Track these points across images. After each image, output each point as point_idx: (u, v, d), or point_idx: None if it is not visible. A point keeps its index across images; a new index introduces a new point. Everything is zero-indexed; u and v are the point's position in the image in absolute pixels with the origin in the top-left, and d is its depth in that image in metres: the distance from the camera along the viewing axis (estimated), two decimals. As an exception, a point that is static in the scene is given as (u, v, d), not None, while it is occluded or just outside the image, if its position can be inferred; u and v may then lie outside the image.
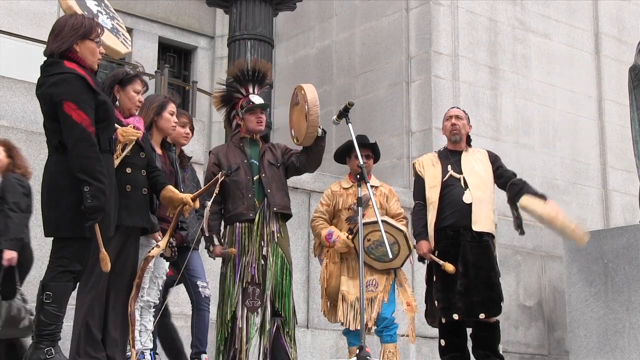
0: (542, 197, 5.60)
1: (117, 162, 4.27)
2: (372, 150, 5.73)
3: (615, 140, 10.82)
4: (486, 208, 5.57)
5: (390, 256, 5.14)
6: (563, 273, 8.10)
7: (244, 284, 5.02)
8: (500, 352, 5.70)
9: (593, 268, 7.33)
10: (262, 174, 5.16)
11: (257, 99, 5.30)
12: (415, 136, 9.60)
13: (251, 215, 5.07)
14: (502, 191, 5.80)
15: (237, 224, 5.09)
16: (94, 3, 4.70)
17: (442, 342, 5.61)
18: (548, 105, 10.41)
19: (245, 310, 4.99)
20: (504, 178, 5.74)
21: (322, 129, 5.18)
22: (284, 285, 5.06)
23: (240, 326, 4.98)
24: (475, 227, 5.51)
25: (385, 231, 5.00)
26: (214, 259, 5.28)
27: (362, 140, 5.54)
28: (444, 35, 9.82)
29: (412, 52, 9.91)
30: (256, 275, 5.01)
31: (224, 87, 5.42)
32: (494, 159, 5.82)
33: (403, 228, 5.52)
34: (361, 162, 5.10)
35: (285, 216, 5.23)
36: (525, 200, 5.53)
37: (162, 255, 4.81)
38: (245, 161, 5.19)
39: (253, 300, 5.00)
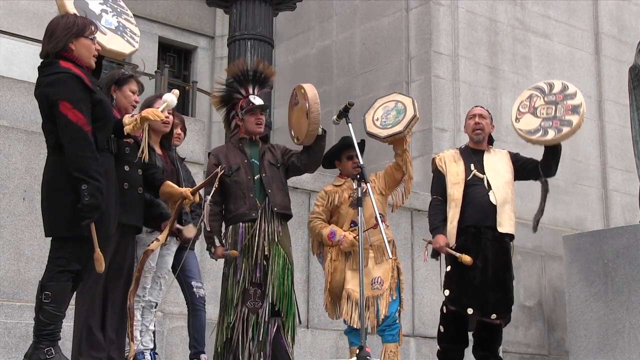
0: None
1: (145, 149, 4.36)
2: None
3: (615, 140, 10.82)
4: (508, 209, 5.54)
5: (402, 116, 5.41)
6: (563, 273, 8.09)
7: (246, 284, 5.01)
8: (500, 354, 5.68)
9: (593, 268, 7.32)
10: (263, 173, 5.14)
11: (257, 100, 5.28)
12: (415, 136, 9.59)
13: (253, 215, 5.05)
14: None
15: (240, 224, 5.07)
16: (98, 2, 4.62)
17: (442, 328, 5.58)
18: (548, 105, 10.41)
19: (247, 311, 4.98)
20: (531, 163, 5.73)
21: (322, 129, 5.17)
22: (286, 285, 5.04)
23: (240, 327, 4.96)
24: (501, 229, 5.48)
25: (397, 100, 5.52)
26: (216, 260, 5.27)
27: (350, 141, 5.48)
28: (444, 35, 9.81)
29: (412, 52, 9.91)
30: (260, 276, 5.00)
31: (224, 86, 5.41)
32: (515, 157, 5.80)
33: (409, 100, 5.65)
34: (361, 162, 5.10)
35: (286, 217, 5.22)
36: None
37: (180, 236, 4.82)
38: (246, 161, 5.17)
39: (254, 301, 4.98)
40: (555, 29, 10.75)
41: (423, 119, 9.53)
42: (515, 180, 5.72)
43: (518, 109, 5.83)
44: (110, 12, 4.66)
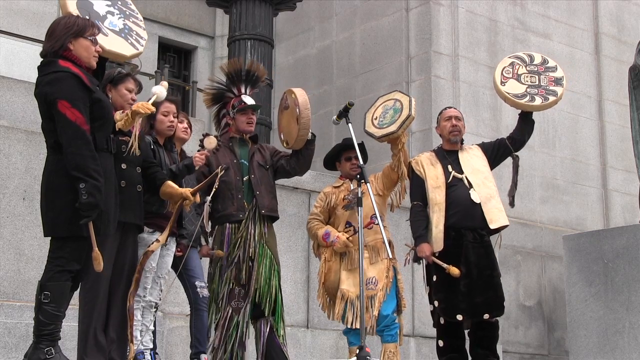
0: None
1: (135, 143, 4.33)
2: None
3: (615, 140, 10.82)
4: (495, 203, 5.53)
5: (398, 115, 5.42)
6: (563, 273, 8.09)
7: (231, 284, 5.01)
8: (498, 352, 5.67)
9: (593, 268, 7.32)
10: (252, 174, 5.15)
11: (249, 100, 5.30)
12: (415, 136, 9.60)
13: (241, 216, 5.06)
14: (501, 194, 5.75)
15: (227, 224, 5.07)
16: (105, 3, 4.61)
17: (441, 343, 5.59)
18: (548, 105, 10.41)
19: (230, 311, 4.98)
20: (499, 144, 5.76)
21: (312, 133, 5.18)
22: (272, 286, 5.04)
23: (223, 326, 4.96)
24: (494, 225, 5.46)
25: (396, 99, 5.50)
26: (201, 259, 5.29)
27: (350, 142, 5.47)
28: (444, 35, 9.82)
29: (412, 52, 9.91)
30: (243, 277, 5.00)
31: (216, 85, 5.43)
32: (485, 148, 5.80)
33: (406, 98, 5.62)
34: (361, 162, 5.09)
35: (272, 219, 5.22)
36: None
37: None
38: (235, 161, 5.18)
39: (238, 301, 4.99)
40: (555, 29, 10.75)
41: (423, 119, 9.55)
42: (492, 168, 5.73)
43: (502, 73, 5.87)
44: (117, 14, 4.66)
